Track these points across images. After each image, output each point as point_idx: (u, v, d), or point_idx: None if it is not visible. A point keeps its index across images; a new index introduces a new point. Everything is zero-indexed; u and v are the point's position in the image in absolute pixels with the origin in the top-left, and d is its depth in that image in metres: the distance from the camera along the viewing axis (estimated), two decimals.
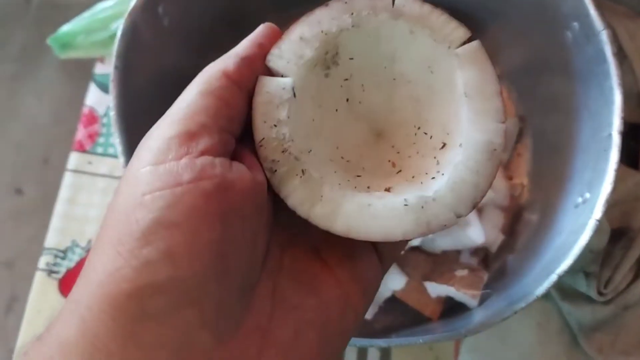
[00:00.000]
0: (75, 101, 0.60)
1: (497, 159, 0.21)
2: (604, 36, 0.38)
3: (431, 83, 0.23)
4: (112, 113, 0.37)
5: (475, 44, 0.22)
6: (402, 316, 0.46)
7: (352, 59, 0.23)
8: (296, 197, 0.21)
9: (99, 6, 0.55)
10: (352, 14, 0.22)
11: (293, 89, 0.22)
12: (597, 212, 0.35)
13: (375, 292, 0.23)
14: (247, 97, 0.21)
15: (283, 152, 0.21)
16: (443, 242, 0.46)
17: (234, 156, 0.21)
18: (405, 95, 0.24)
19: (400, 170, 0.23)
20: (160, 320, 0.17)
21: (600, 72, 0.38)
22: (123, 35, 0.38)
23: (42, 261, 0.52)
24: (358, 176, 0.23)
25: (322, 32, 0.22)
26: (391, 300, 0.46)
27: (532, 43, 0.47)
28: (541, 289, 0.35)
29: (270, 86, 0.22)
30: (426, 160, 0.23)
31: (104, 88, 0.56)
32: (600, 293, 0.43)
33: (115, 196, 0.19)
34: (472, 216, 0.46)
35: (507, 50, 0.50)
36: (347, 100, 0.24)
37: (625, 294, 0.43)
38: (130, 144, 0.38)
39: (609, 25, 0.44)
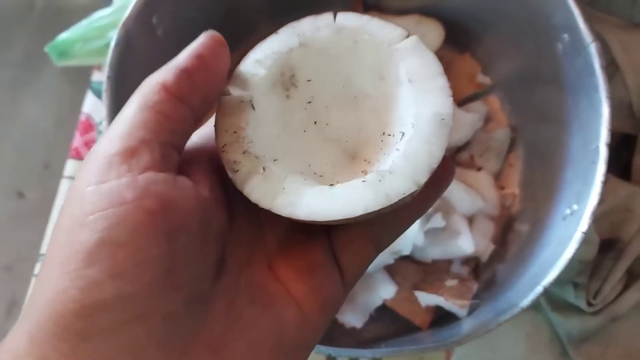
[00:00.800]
0: (76, 106, 0.60)
1: (447, 128, 0.22)
2: (593, 49, 0.38)
3: (384, 90, 0.25)
4: (105, 123, 0.38)
5: (413, 38, 0.23)
6: (392, 325, 0.46)
7: (309, 80, 0.25)
8: (258, 192, 0.22)
9: (96, 15, 0.55)
10: (298, 34, 0.24)
11: (251, 101, 0.23)
12: (584, 224, 0.35)
13: (335, 309, 0.23)
14: (189, 109, 0.21)
15: (244, 153, 0.22)
16: (433, 252, 0.46)
17: (181, 170, 0.21)
18: (368, 109, 0.25)
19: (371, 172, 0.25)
20: (107, 337, 0.17)
21: (589, 85, 0.38)
22: (116, 45, 0.39)
23: (38, 268, 0.52)
24: (331, 185, 0.24)
25: (273, 52, 0.24)
26: (381, 309, 0.46)
27: (524, 54, 0.47)
28: (526, 301, 0.35)
29: (230, 102, 0.23)
30: (390, 156, 0.24)
31: (100, 96, 0.56)
32: (589, 304, 0.43)
33: (60, 216, 0.19)
34: (463, 226, 0.46)
35: (499, 60, 0.51)
36: (315, 122, 0.25)
37: (614, 305, 0.44)
38: None
39: (598, 38, 0.44)
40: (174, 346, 0.18)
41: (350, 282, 0.24)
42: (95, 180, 0.19)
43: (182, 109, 0.21)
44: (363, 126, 0.25)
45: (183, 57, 0.21)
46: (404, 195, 0.21)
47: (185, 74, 0.21)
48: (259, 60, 0.24)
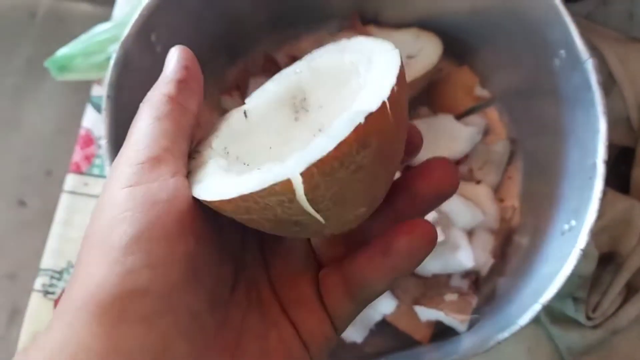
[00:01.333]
0: (78, 114, 0.60)
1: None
2: (589, 65, 0.38)
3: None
4: (104, 142, 0.38)
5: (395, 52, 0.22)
6: (392, 340, 0.46)
7: (321, 107, 0.24)
8: (193, 176, 0.22)
9: (96, 29, 0.56)
10: (310, 59, 0.25)
11: (245, 111, 0.24)
12: (582, 241, 0.35)
13: (322, 349, 0.23)
14: (192, 118, 0.23)
15: (210, 147, 0.23)
16: (433, 266, 0.46)
17: None
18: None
19: None
20: (141, 324, 0.18)
21: (586, 100, 0.38)
22: (115, 65, 0.39)
23: (38, 282, 0.52)
24: None
25: (286, 73, 0.25)
26: (382, 323, 0.46)
27: (522, 68, 0.47)
28: (525, 319, 0.35)
29: (231, 111, 0.25)
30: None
31: (100, 110, 0.57)
32: (588, 318, 0.43)
33: (96, 215, 0.20)
34: (462, 240, 0.46)
35: (498, 73, 0.51)
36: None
37: (614, 319, 0.44)
38: None
39: (595, 51, 0.45)
40: (198, 341, 0.20)
41: (338, 326, 0.24)
42: (129, 183, 0.20)
43: (189, 117, 0.23)
44: None
45: (174, 70, 0.23)
46: (272, 183, 0.18)
47: (184, 84, 0.23)
48: (273, 79, 0.25)
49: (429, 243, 0.21)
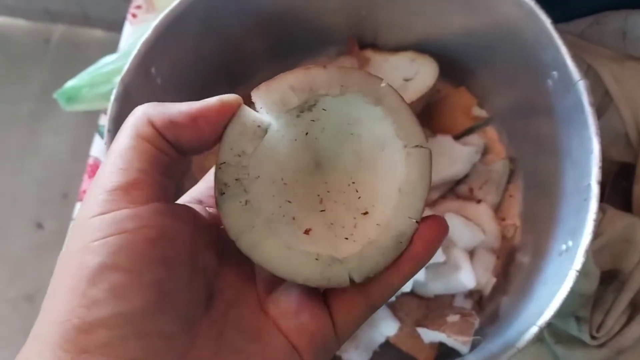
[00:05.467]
0: (92, 139, 0.62)
1: (400, 250, 0.24)
2: (581, 86, 0.38)
3: (377, 157, 0.26)
4: None
5: (425, 151, 0.24)
6: None
7: (325, 110, 0.25)
8: (232, 220, 0.23)
9: (102, 61, 0.57)
10: (342, 86, 0.24)
11: (266, 130, 0.23)
12: (577, 263, 0.35)
13: (325, 347, 0.24)
14: (173, 154, 0.22)
15: (236, 180, 0.23)
16: (435, 287, 0.46)
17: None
18: (351, 149, 0.26)
19: (324, 210, 0.26)
20: (105, 351, 0.19)
21: (579, 121, 0.39)
22: (116, 99, 0.40)
23: None
24: (288, 202, 0.25)
25: (311, 89, 0.23)
26: (386, 345, 0.47)
27: (518, 89, 0.48)
28: (522, 342, 0.35)
29: (247, 118, 0.23)
30: (348, 215, 0.25)
31: None
32: (592, 337, 0.43)
33: (68, 244, 0.21)
34: (464, 260, 0.46)
35: (495, 93, 0.51)
36: (307, 134, 0.26)
37: (619, 337, 0.43)
38: None
39: (590, 72, 0.45)
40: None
41: (342, 332, 0.25)
42: (100, 211, 0.20)
43: (168, 151, 0.22)
44: (341, 155, 0.26)
45: (178, 110, 0.22)
46: (338, 286, 0.24)
47: (172, 124, 0.22)
48: (295, 90, 0.23)
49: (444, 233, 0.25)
